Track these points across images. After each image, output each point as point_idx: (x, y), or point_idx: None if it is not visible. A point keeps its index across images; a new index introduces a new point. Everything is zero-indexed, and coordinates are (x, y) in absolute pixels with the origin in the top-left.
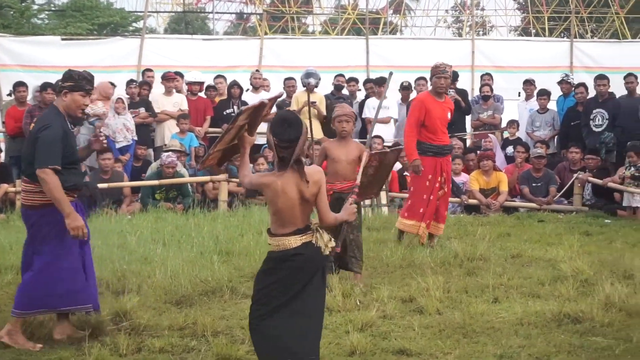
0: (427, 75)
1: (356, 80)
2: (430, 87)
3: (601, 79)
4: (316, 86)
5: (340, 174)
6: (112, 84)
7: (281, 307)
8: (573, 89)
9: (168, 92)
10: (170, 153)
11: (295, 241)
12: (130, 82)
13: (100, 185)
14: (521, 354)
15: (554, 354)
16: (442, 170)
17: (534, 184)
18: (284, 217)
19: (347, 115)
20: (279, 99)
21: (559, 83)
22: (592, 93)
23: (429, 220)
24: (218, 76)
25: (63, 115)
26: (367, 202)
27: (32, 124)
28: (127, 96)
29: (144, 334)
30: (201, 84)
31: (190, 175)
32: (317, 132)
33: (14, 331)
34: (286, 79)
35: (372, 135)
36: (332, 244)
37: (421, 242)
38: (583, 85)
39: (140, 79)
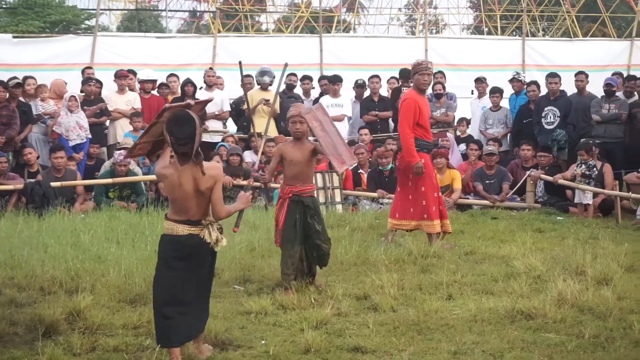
0: (382, 73)
1: (310, 79)
2: (384, 85)
3: (552, 77)
4: (270, 84)
5: (298, 176)
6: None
7: (178, 293)
8: (525, 87)
9: (121, 90)
10: (122, 151)
11: (183, 230)
12: (88, 80)
13: (53, 184)
14: (475, 351)
15: (508, 350)
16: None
17: (487, 181)
18: (178, 206)
19: (300, 116)
20: (231, 99)
21: (510, 81)
22: (544, 91)
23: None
24: (171, 75)
25: None
26: (322, 199)
27: None
28: (82, 94)
29: (98, 333)
30: (154, 81)
31: (144, 174)
32: (271, 130)
33: None
34: (245, 76)
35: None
36: (224, 242)
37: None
38: (535, 83)
39: (95, 77)
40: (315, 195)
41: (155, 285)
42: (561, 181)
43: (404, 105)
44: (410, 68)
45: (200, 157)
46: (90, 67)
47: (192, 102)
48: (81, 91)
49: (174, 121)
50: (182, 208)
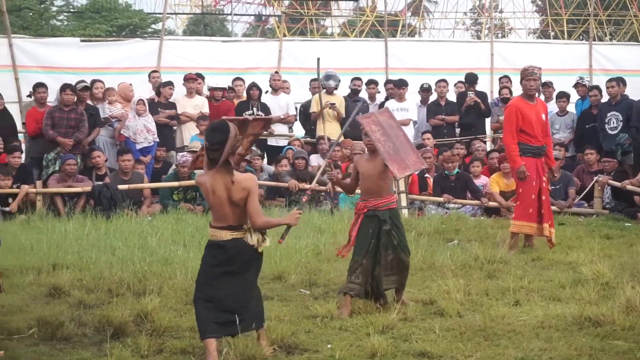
0: (447, 77)
1: (376, 83)
2: (453, 89)
3: (610, 81)
4: (336, 88)
5: (372, 190)
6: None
7: (221, 285)
8: (588, 91)
9: (189, 93)
10: (185, 153)
11: (226, 235)
12: (166, 84)
13: (120, 187)
14: (542, 357)
15: (575, 358)
16: (542, 170)
17: (552, 187)
18: (217, 213)
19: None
20: (299, 103)
21: (575, 86)
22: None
23: (550, 221)
24: (236, 78)
25: None
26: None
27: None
28: (151, 96)
29: (165, 335)
30: (223, 89)
31: None
32: (337, 134)
33: None
34: (312, 80)
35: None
36: (267, 243)
37: (549, 244)
38: (597, 88)
39: (162, 80)
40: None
41: (197, 285)
42: (629, 187)
43: (505, 112)
44: (475, 73)
45: (229, 165)
46: (156, 71)
47: (250, 117)
48: (158, 93)
49: (211, 127)
50: (220, 215)
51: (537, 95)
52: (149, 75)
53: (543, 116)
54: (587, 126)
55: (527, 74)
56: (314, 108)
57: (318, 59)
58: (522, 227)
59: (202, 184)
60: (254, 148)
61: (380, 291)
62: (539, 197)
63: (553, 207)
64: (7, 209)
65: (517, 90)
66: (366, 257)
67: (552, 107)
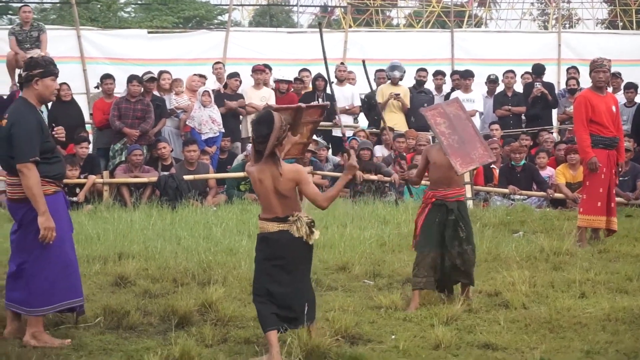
0: (514, 68)
1: (442, 74)
2: (518, 80)
3: None
4: (401, 79)
5: (441, 180)
6: (203, 76)
7: (276, 279)
8: None
9: (257, 84)
10: None
11: (272, 227)
12: (233, 75)
13: (185, 177)
14: (608, 350)
15: None
16: (614, 163)
17: (620, 178)
18: (264, 204)
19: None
20: (362, 94)
21: None
22: None
23: (612, 216)
24: (303, 69)
25: (34, 105)
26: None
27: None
28: (218, 86)
29: (229, 324)
30: (289, 82)
31: None
32: (402, 125)
33: (39, 332)
34: (377, 71)
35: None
36: (316, 235)
37: (610, 233)
38: None
39: (227, 72)
40: (464, 199)
41: (253, 282)
42: None
43: (574, 104)
44: (542, 64)
45: (275, 157)
46: (219, 62)
47: (303, 105)
48: (225, 85)
49: (257, 119)
50: (267, 206)
51: (606, 87)
52: (213, 67)
53: (613, 108)
54: None
55: (596, 66)
56: (379, 99)
57: (364, 62)
58: (591, 221)
59: (250, 173)
60: (320, 140)
61: (447, 284)
62: (609, 190)
63: (619, 199)
64: (74, 198)
65: (584, 81)
66: (433, 250)
67: (620, 98)
